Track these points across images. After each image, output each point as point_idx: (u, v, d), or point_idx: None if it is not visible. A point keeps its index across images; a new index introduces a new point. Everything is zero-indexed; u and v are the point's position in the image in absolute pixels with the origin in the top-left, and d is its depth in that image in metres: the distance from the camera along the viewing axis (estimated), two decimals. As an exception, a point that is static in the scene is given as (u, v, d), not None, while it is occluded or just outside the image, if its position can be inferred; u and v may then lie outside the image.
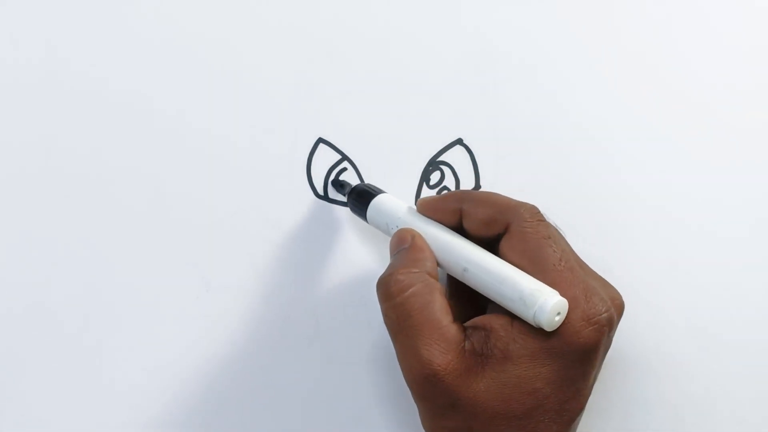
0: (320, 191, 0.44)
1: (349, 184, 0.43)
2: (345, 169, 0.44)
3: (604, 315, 0.33)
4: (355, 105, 0.44)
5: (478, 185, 0.44)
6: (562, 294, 0.33)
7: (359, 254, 0.44)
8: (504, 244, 0.36)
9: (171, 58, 0.44)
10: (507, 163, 0.44)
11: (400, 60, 0.44)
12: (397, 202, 0.40)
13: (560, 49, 0.44)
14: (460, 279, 0.36)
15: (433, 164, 0.44)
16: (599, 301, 0.34)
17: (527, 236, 0.35)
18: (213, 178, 0.44)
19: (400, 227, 0.38)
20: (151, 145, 0.44)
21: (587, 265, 0.37)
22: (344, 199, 0.44)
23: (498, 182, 0.44)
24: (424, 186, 0.44)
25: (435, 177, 0.44)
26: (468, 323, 0.35)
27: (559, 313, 0.33)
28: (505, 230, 0.36)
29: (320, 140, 0.44)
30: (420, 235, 0.37)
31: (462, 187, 0.44)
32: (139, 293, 0.43)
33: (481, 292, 0.35)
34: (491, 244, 0.37)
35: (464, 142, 0.44)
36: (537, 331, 0.33)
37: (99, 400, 0.43)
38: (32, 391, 0.43)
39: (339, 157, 0.44)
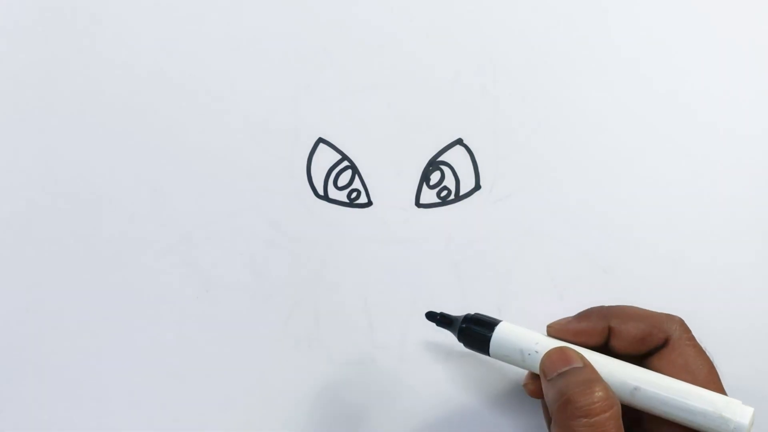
0: (320, 191, 0.44)
1: (456, 317, 0.39)
2: (345, 168, 0.44)
3: None
4: (355, 105, 0.44)
5: (478, 185, 0.44)
6: None
7: (359, 254, 0.44)
8: (662, 359, 0.35)
9: (171, 59, 0.44)
10: (507, 163, 0.44)
11: (401, 60, 0.44)
12: (521, 328, 0.37)
13: (560, 49, 0.44)
14: (627, 400, 0.35)
15: (433, 164, 0.44)
16: None
17: (687, 351, 0.35)
18: (213, 178, 0.44)
19: (541, 352, 0.36)
20: (151, 145, 0.44)
21: None
22: (344, 199, 0.44)
23: (498, 182, 0.44)
24: (424, 186, 0.44)
25: (435, 177, 0.44)
26: None
27: (753, 424, 0.33)
28: (663, 344, 0.36)
29: (320, 140, 0.44)
30: (581, 355, 0.36)
31: (462, 188, 0.44)
32: (139, 293, 0.43)
33: (655, 411, 0.34)
34: (634, 360, 0.36)
35: (464, 142, 0.44)
36: None
37: (98, 400, 0.43)
38: (31, 391, 0.43)
39: (339, 157, 0.44)
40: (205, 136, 0.44)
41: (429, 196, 0.44)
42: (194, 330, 0.43)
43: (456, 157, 0.44)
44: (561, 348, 0.36)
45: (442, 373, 0.42)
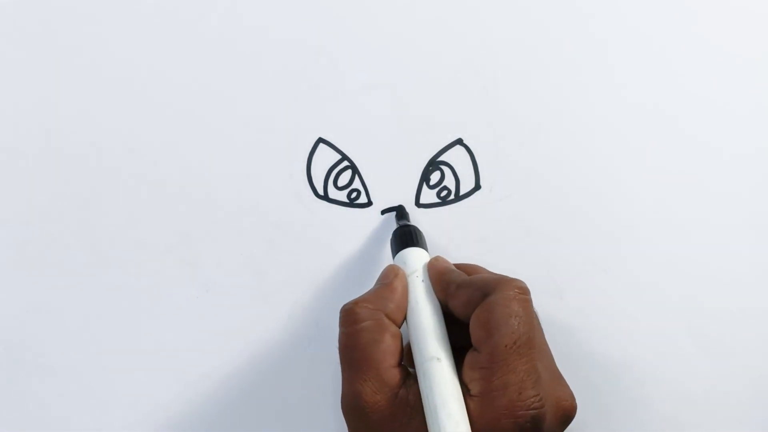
0: (320, 191, 0.44)
1: (405, 220, 0.42)
2: (345, 168, 0.44)
3: (531, 412, 0.32)
4: (355, 105, 0.44)
5: (478, 185, 0.44)
6: (498, 378, 0.33)
7: (359, 254, 0.44)
8: (475, 313, 0.35)
9: (171, 59, 0.44)
10: (507, 163, 0.44)
11: (400, 60, 0.44)
12: (419, 257, 0.39)
13: (560, 49, 0.44)
14: (416, 368, 0.35)
15: (433, 164, 0.44)
16: (532, 397, 0.33)
17: (496, 308, 0.34)
18: (213, 178, 0.44)
19: (411, 274, 0.38)
20: (152, 145, 0.44)
21: (551, 358, 0.36)
22: (344, 199, 0.44)
23: (498, 182, 0.44)
24: (424, 186, 0.44)
25: (435, 177, 0.44)
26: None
27: None
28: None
29: (320, 140, 0.44)
30: (403, 278, 0.38)
31: (462, 188, 0.44)
32: (139, 293, 0.43)
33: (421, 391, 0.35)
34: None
35: (464, 142, 0.44)
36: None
37: (98, 400, 0.43)
38: (31, 391, 0.43)
39: (339, 157, 0.44)
40: (205, 135, 0.44)
41: (429, 196, 0.44)
42: (194, 330, 0.43)
43: (456, 157, 0.44)
44: (392, 266, 0.39)
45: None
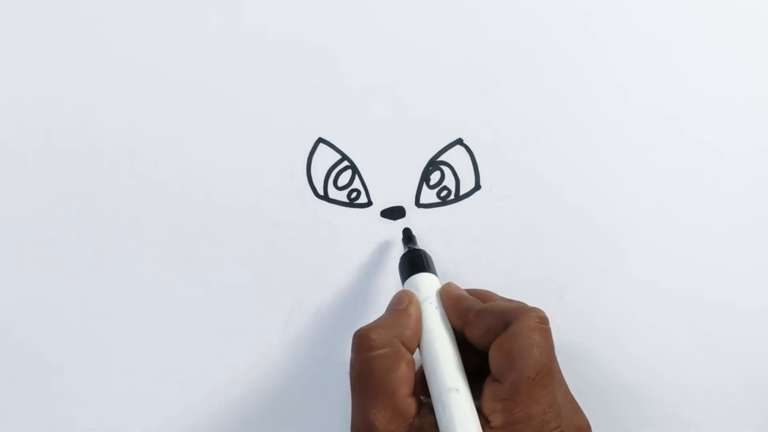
0: (320, 191, 0.44)
1: (409, 248, 0.42)
2: (345, 168, 0.44)
3: None
4: (355, 105, 0.44)
5: (478, 185, 0.44)
6: (521, 410, 0.33)
7: (359, 254, 0.44)
8: (496, 342, 0.35)
9: (171, 58, 0.44)
10: (507, 163, 0.44)
11: (400, 60, 0.44)
12: (430, 284, 0.39)
13: (559, 49, 0.44)
14: (433, 397, 0.35)
15: (433, 164, 0.44)
16: (554, 429, 0.33)
17: (518, 339, 0.34)
18: (213, 178, 0.44)
19: (423, 301, 0.38)
20: (152, 145, 0.44)
21: (566, 386, 0.36)
22: (344, 199, 0.44)
23: (498, 182, 0.44)
24: (424, 186, 0.44)
25: (435, 177, 0.44)
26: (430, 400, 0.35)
27: None
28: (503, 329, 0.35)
29: (320, 140, 0.44)
30: (417, 304, 0.37)
31: (462, 188, 0.44)
32: (139, 293, 0.43)
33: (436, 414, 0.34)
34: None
35: (464, 142, 0.44)
36: None
37: (98, 400, 0.43)
38: (31, 391, 0.43)
39: (339, 157, 0.44)
40: (205, 135, 0.44)
41: (429, 196, 0.44)
42: (194, 330, 0.43)
43: (456, 157, 0.44)
44: (405, 291, 0.38)
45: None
